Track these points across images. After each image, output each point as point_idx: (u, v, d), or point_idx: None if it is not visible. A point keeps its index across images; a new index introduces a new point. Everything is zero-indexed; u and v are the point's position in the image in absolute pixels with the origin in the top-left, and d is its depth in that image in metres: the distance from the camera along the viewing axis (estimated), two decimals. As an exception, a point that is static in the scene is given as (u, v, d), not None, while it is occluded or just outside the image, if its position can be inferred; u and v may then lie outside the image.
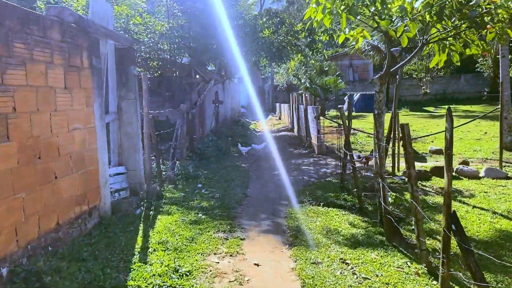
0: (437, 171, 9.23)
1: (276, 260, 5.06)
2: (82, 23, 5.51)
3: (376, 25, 5.25)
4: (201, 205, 7.48)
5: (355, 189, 7.55)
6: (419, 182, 8.52)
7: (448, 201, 3.79)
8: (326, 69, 31.28)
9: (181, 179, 9.50)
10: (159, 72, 16.25)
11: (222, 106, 22.29)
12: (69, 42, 5.25)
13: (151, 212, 6.79)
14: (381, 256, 5.00)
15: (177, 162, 10.27)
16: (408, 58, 5.81)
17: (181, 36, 14.38)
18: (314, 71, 30.96)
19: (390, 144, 10.02)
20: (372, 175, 7.24)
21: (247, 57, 15.70)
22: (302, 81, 34.09)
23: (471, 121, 13.51)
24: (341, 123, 8.02)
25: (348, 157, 7.91)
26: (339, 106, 8.55)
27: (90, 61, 5.79)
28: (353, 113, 30.45)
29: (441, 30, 5.20)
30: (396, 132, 9.74)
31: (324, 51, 17.91)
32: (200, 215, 6.81)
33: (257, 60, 15.61)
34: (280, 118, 30.92)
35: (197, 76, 15.79)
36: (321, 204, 7.40)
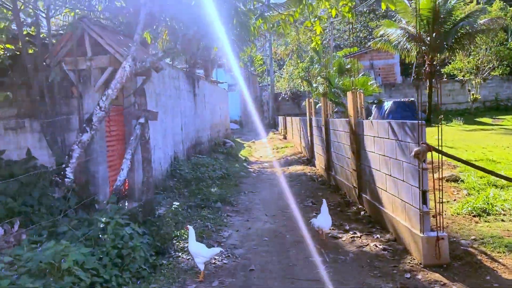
0: None
1: None
2: None
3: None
4: None
5: None
6: None
7: None
8: (348, 66, 22.18)
9: None
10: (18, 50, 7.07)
11: (189, 122, 12.99)
12: None
13: None
14: None
15: None
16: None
17: None
18: (333, 69, 21.79)
19: None
20: None
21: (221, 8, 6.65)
22: (314, 85, 25.02)
23: None
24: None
25: None
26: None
27: None
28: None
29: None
30: None
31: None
32: None
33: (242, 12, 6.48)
34: (285, 138, 21.71)
35: (105, 56, 6.60)
36: None
